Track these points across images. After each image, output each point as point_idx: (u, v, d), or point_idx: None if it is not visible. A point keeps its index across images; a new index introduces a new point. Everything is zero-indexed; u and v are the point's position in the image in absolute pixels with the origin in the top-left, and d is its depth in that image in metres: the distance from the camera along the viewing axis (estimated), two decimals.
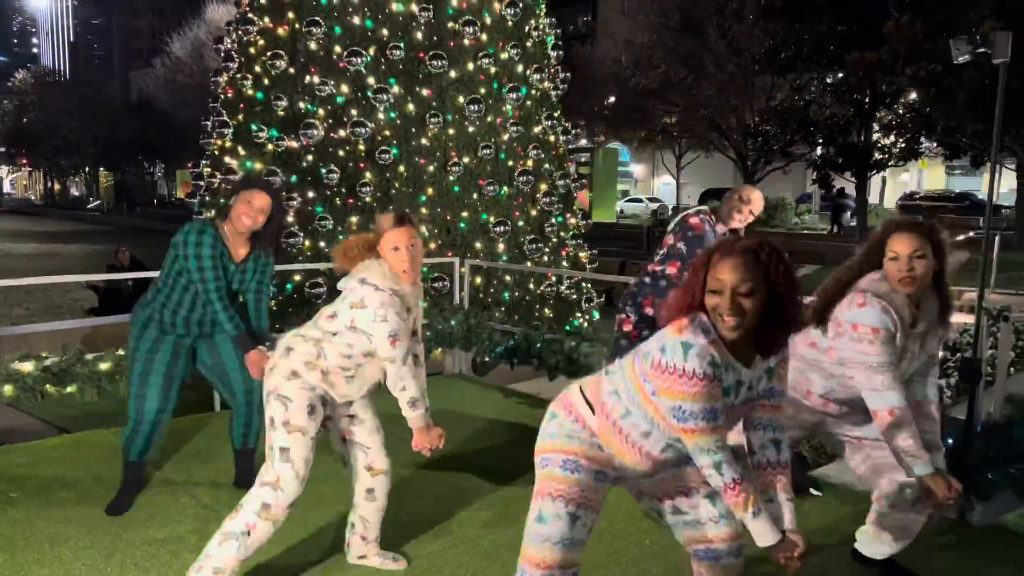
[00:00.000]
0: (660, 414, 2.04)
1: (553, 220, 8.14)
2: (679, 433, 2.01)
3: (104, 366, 4.74)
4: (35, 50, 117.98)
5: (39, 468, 4.10)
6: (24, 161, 69.52)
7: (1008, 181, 27.46)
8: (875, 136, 24.64)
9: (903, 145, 21.13)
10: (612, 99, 34.27)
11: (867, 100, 23.68)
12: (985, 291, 11.04)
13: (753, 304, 1.92)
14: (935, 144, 20.90)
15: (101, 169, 66.10)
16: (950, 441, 3.47)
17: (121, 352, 4.88)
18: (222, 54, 7.88)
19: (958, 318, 4.80)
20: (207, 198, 7.84)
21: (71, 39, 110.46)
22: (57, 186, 73.69)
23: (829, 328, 2.72)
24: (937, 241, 2.60)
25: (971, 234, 15.15)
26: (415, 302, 2.82)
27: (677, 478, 2.26)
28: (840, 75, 23.10)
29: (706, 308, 1.97)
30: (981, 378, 3.48)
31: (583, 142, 39.63)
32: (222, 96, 7.81)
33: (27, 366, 4.52)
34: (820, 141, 25.92)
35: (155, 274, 3.71)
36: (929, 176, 41.01)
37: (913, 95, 18.70)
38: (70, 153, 59.69)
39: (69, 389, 4.62)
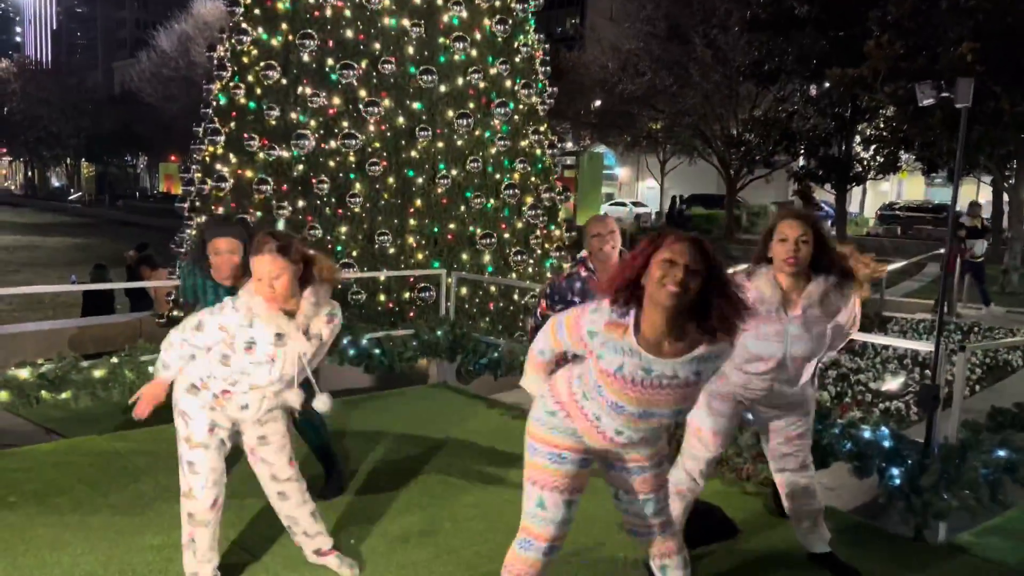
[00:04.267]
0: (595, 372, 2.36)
1: (538, 232, 8.31)
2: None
3: (98, 373, 4.86)
4: (18, 38, 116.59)
5: (35, 473, 4.21)
6: (3, 150, 68.82)
7: (985, 193, 27.98)
8: (856, 149, 25.05)
9: (882, 159, 21.57)
10: (598, 103, 34.52)
11: (848, 114, 24.07)
12: (957, 306, 11.12)
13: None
14: (913, 158, 21.33)
15: (83, 160, 65.56)
16: (908, 463, 3.68)
17: (115, 360, 5.01)
18: (215, 62, 7.98)
19: (920, 345, 5.03)
20: (197, 203, 7.94)
21: (54, 28, 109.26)
22: (38, 176, 72.98)
23: None
24: (819, 230, 2.98)
25: (941, 251, 15.44)
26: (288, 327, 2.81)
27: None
28: (823, 87, 23.49)
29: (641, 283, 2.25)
30: (939, 405, 3.68)
31: (569, 145, 39.88)
32: (214, 103, 7.91)
33: (23, 373, 4.64)
34: (802, 152, 26.30)
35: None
36: (909, 186, 41.57)
37: (892, 110, 19.07)
38: (51, 144, 59.17)
39: (64, 395, 4.74)
